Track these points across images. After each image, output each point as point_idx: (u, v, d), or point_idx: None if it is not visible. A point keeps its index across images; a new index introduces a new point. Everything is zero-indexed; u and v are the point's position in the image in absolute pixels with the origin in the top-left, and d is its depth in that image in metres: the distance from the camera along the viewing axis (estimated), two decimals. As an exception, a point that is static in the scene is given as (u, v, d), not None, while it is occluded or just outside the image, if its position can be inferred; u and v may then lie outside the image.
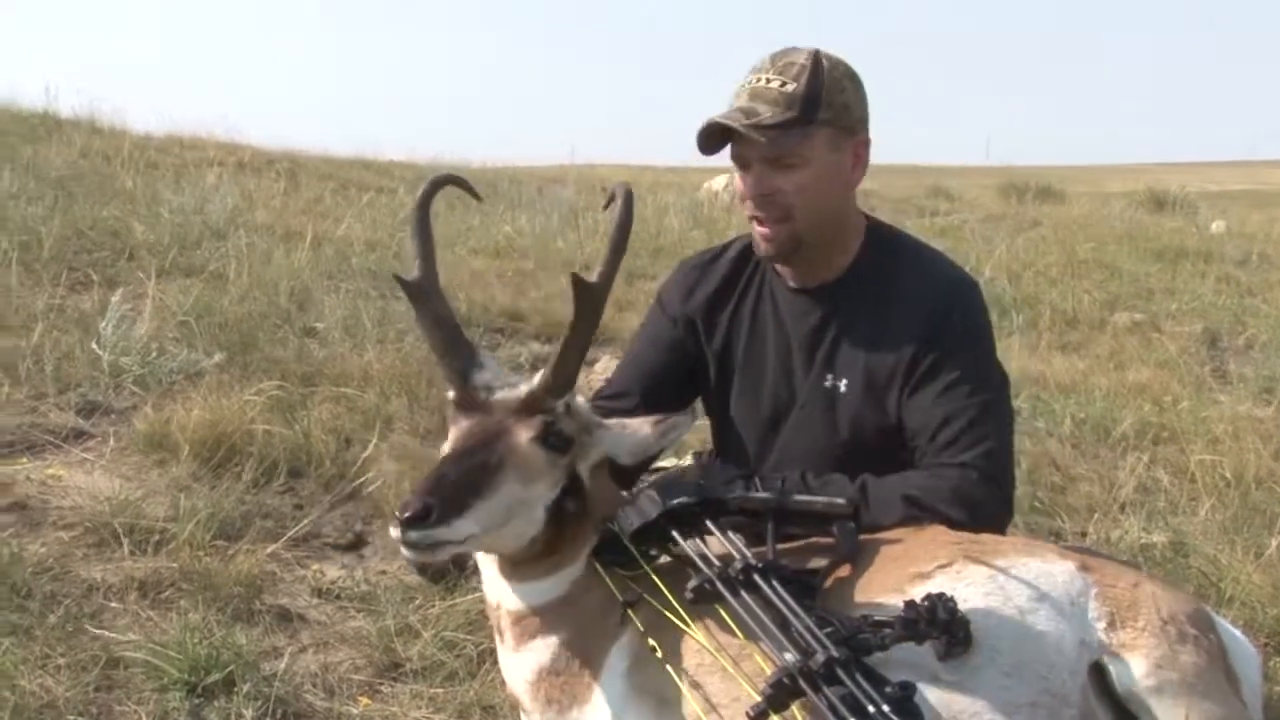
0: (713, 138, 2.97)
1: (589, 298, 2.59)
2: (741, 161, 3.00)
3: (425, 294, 2.71)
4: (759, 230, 3.05)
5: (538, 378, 2.65)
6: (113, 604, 3.72)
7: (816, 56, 2.94)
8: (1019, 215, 14.45)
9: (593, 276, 2.61)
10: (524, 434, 2.56)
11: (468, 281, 8.09)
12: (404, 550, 2.42)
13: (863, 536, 2.67)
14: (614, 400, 3.21)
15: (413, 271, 2.73)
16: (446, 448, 2.60)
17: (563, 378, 2.63)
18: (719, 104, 3.00)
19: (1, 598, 3.58)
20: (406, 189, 12.11)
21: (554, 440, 2.60)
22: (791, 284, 3.15)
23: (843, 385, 3.06)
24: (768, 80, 2.94)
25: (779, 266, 3.16)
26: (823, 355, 3.10)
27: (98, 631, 3.51)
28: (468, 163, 16.59)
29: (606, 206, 2.87)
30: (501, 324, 7.49)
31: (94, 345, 5.57)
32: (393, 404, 5.47)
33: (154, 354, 5.61)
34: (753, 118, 2.88)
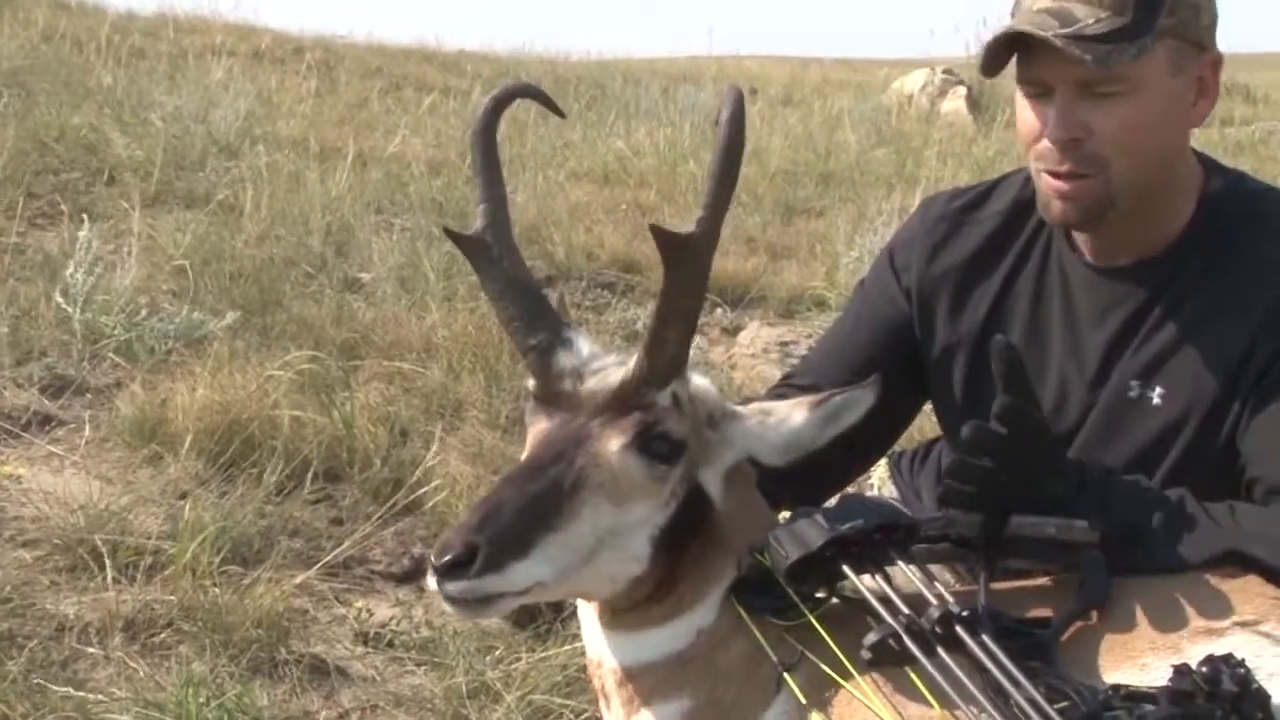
0: (1002, 52, 2.84)
1: (681, 254, 2.55)
2: (1037, 86, 2.86)
3: (491, 252, 2.70)
4: (1053, 184, 2.90)
5: (631, 362, 2.63)
6: (90, 649, 3.85)
7: None
8: (1353, 123, 14.07)
9: (688, 224, 2.56)
10: (613, 440, 2.57)
11: (566, 219, 8.16)
12: (446, 605, 2.46)
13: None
14: (801, 391, 3.12)
15: (475, 221, 2.70)
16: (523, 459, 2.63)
17: (663, 360, 2.61)
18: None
19: (-54, 637, 3.72)
20: (484, 90, 12.19)
21: (657, 446, 2.60)
22: (1090, 259, 3.05)
23: (1156, 395, 2.96)
24: None
25: (1074, 233, 3.06)
26: (1131, 357, 3.01)
27: (68, 688, 3.60)
28: (565, 55, 16.73)
29: (718, 123, 2.85)
30: (612, 277, 7.57)
31: (60, 299, 5.74)
32: (464, 384, 5.57)
33: (142, 313, 5.78)
34: (1070, 25, 2.74)
